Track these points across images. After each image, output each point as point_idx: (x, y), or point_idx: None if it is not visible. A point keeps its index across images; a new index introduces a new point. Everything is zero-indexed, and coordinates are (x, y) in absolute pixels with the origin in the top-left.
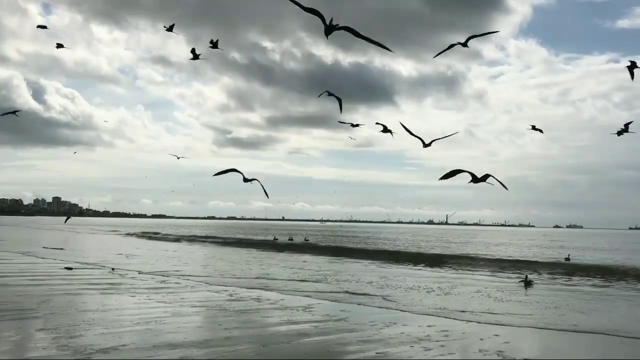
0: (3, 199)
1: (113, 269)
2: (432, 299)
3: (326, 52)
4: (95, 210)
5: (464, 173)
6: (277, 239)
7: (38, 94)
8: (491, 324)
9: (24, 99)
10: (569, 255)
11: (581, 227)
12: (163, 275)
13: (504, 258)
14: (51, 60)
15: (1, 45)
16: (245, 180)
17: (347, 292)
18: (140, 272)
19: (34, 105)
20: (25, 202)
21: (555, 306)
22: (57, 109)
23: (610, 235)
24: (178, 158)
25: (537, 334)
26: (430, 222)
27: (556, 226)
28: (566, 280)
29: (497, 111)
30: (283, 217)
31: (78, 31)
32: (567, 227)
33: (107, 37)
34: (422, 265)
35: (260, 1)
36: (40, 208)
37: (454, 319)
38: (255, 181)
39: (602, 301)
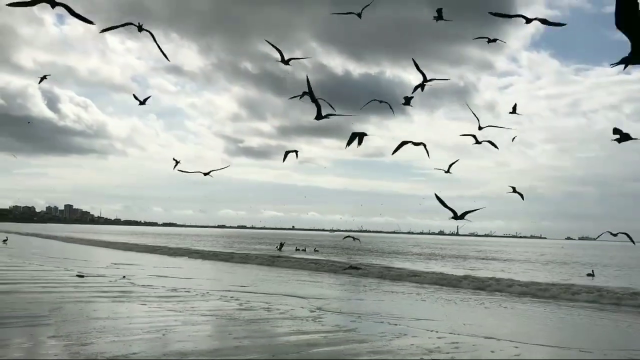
0: (16, 206)
1: (124, 276)
2: (445, 314)
3: (337, 62)
4: (106, 218)
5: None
6: (282, 244)
7: (52, 102)
8: (504, 339)
9: (39, 108)
10: (592, 270)
11: (593, 239)
12: (174, 284)
13: (531, 281)
14: (65, 69)
15: (17, 55)
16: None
17: (359, 314)
18: (151, 280)
19: (48, 114)
20: (38, 210)
21: (580, 329)
22: (71, 118)
23: (626, 249)
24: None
25: (551, 352)
26: (441, 233)
27: (568, 238)
28: (592, 303)
29: (508, 122)
30: (293, 227)
31: (92, 41)
32: (579, 239)
33: (119, 46)
34: (439, 285)
35: (271, 11)
36: (52, 215)
37: (465, 332)
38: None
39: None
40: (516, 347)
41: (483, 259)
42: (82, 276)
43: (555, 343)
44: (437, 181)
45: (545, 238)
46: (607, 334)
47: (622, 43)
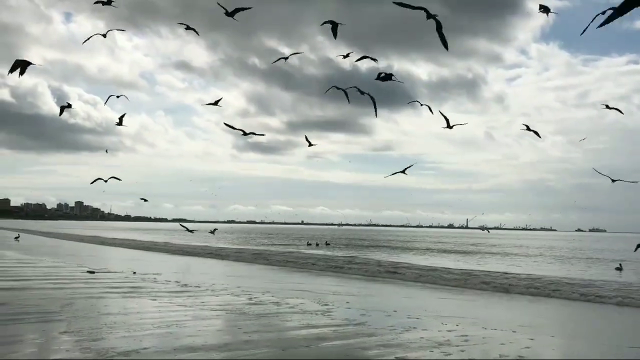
0: (27, 203)
1: (134, 272)
2: (456, 308)
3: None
4: (116, 215)
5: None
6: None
7: (62, 100)
8: (513, 331)
9: (49, 106)
10: (620, 264)
11: (604, 230)
12: (184, 280)
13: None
14: (74, 67)
15: (26, 53)
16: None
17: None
18: (160, 276)
19: (58, 111)
20: (49, 207)
21: (598, 326)
22: (81, 115)
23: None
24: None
25: (561, 342)
26: (451, 226)
27: (578, 230)
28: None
29: (517, 114)
30: (302, 221)
31: (100, 39)
32: (590, 230)
33: (127, 44)
34: (449, 280)
35: (278, 6)
36: (63, 212)
37: (476, 326)
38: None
39: None
40: (531, 339)
41: (498, 253)
42: (93, 272)
43: (575, 338)
44: (446, 175)
45: (555, 230)
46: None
47: (631, 33)
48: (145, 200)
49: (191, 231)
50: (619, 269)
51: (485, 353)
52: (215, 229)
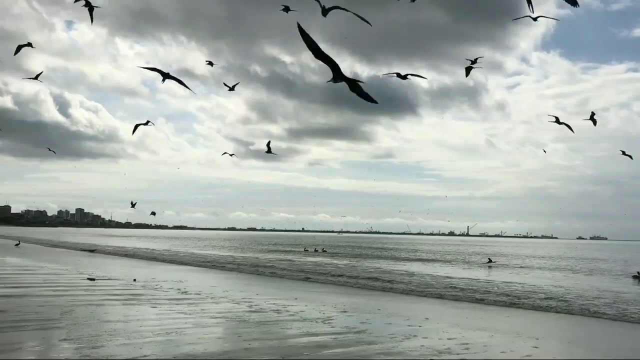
0: (28, 210)
1: (135, 279)
2: (456, 317)
3: (346, 64)
4: (117, 222)
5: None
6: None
7: (64, 108)
8: (513, 337)
9: (51, 114)
10: (638, 272)
11: (605, 238)
12: (184, 288)
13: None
14: (76, 74)
15: (29, 61)
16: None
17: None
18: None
19: (60, 119)
20: (50, 214)
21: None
22: (83, 123)
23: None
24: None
25: (563, 349)
26: (452, 234)
27: (579, 238)
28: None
29: (518, 121)
30: (303, 229)
31: (102, 46)
32: (591, 238)
33: (129, 51)
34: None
35: (279, 14)
36: (64, 219)
37: (476, 332)
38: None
39: None
40: (535, 348)
41: (504, 265)
42: (93, 279)
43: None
44: (447, 182)
45: (556, 238)
46: None
47: (630, 41)
48: (133, 206)
49: (92, 250)
50: (638, 277)
51: None
52: (153, 212)
